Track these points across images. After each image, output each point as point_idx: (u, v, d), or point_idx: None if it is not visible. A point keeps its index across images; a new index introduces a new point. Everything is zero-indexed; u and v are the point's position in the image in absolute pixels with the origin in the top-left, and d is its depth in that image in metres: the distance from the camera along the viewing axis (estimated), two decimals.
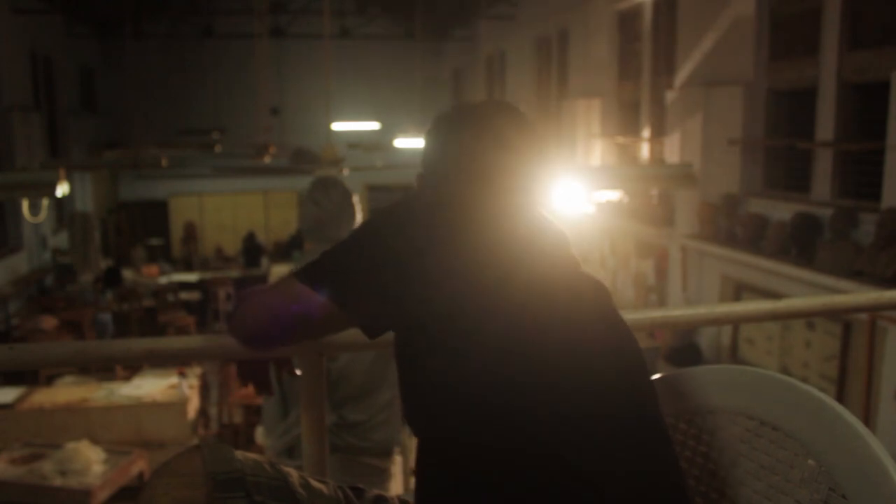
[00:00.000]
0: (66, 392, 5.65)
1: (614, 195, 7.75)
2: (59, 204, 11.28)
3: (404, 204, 1.07)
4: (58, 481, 4.40)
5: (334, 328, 1.12)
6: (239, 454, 1.03)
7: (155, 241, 14.40)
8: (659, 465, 0.96)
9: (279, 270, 9.34)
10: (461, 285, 0.97)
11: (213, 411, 6.64)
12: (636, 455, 0.93)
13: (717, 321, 1.53)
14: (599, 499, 0.90)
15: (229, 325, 1.18)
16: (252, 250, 12.99)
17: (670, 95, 6.80)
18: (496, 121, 1.14)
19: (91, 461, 4.55)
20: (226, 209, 15.55)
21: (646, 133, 7.79)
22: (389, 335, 1.04)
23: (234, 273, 12.14)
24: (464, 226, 1.04)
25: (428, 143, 1.18)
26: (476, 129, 1.13)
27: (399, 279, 0.98)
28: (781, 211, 5.62)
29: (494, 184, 1.11)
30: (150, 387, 5.64)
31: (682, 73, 6.64)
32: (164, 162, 8.87)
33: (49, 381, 6.22)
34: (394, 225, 1.03)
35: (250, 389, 5.58)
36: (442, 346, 0.95)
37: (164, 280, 11.38)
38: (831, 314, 4.56)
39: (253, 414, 5.67)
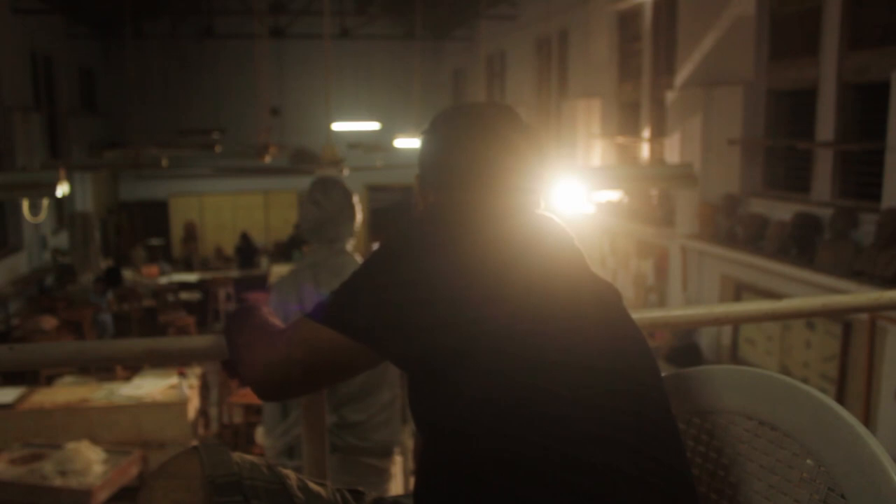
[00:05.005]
0: (66, 392, 5.65)
1: (614, 195, 7.75)
2: (59, 204, 11.28)
3: (411, 222, 1.06)
4: (58, 481, 4.40)
5: (358, 366, 1.07)
6: (237, 456, 1.03)
7: (155, 241, 14.40)
8: (663, 465, 0.95)
9: (279, 270, 9.34)
10: (465, 286, 0.97)
11: (213, 411, 6.64)
12: (640, 455, 0.93)
13: (717, 321, 1.53)
14: (601, 499, 0.90)
15: (241, 375, 1.12)
16: (246, 250, 12.97)
17: (670, 95, 6.80)
18: (498, 122, 1.15)
19: (91, 461, 4.55)
20: (226, 209, 15.56)
21: (646, 133, 7.79)
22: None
23: (234, 273, 12.14)
24: (470, 226, 1.04)
25: (427, 143, 1.18)
26: (479, 131, 1.14)
27: (412, 294, 0.98)
28: (781, 211, 5.62)
29: (500, 184, 1.12)
30: (150, 387, 5.64)
31: (682, 73, 6.64)
32: (164, 162, 8.87)
33: (49, 381, 6.22)
34: (403, 246, 1.03)
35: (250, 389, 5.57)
36: (446, 346, 0.95)
37: (164, 280, 11.38)
38: (831, 314, 4.56)
39: (253, 414, 5.67)
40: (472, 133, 1.14)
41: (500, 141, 1.13)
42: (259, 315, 1.21)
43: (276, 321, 1.21)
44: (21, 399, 5.41)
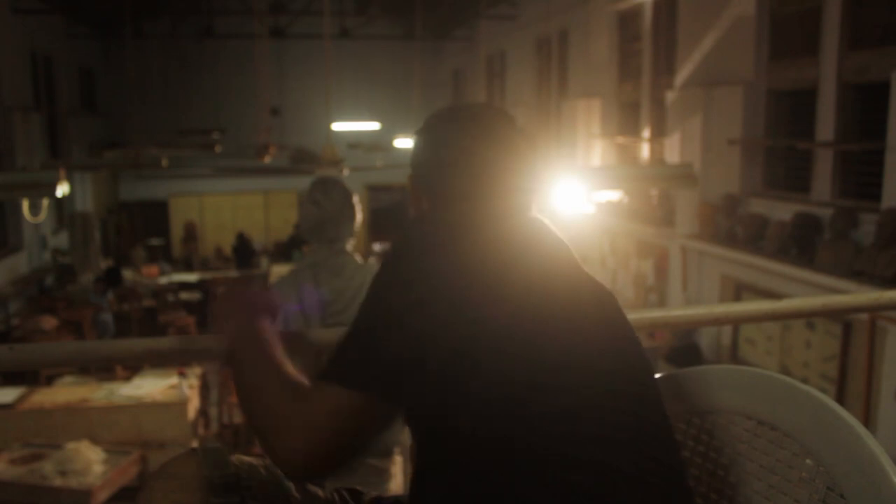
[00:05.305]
0: (66, 392, 5.64)
1: (614, 195, 7.75)
2: (60, 204, 11.29)
3: (410, 223, 1.05)
4: (58, 481, 4.40)
5: (387, 422, 1.02)
6: (235, 458, 1.04)
7: (155, 241, 14.40)
8: (662, 464, 0.95)
9: (279, 270, 9.34)
10: (465, 286, 0.97)
11: (213, 411, 6.63)
12: (639, 455, 0.93)
13: (717, 321, 1.53)
14: (600, 498, 0.90)
15: (272, 457, 0.96)
16: (242, 250, 12.95)
17: (670, 95, 6.80)
18: (494, 123, 1.14)
19: (91, 461, 4.54)
20: (226, 209, 15.57)
21: (646, 133, 7.79)
22: None
23: (234, 273, 12.14)
24: (470, 226, 1.04)
25: (420, 144, 1.17)
26: (477, 131, 1.13)
27: (411, 295, 0.96)
28: (781, 211, 5.63)
29: (498, 184, 1.12)
30: (150, 387, 5.63)
31: (682, 73, 6.64)
32: (164, 162, 8.88)
33: (49, 381, 6.22)
34: (403, 247, 1.02)
35: None
36: (446, 347, 0.95)
37: (164, 280, 11.38)
38: (831, 314, 4.56)
39: None
40: (470, 133, 1.13)
41: (498, 141, 1.13)
42: (270, 360, 1.04)
43: (290, 369, 1.04)
44: (21, 399, 5.41)
